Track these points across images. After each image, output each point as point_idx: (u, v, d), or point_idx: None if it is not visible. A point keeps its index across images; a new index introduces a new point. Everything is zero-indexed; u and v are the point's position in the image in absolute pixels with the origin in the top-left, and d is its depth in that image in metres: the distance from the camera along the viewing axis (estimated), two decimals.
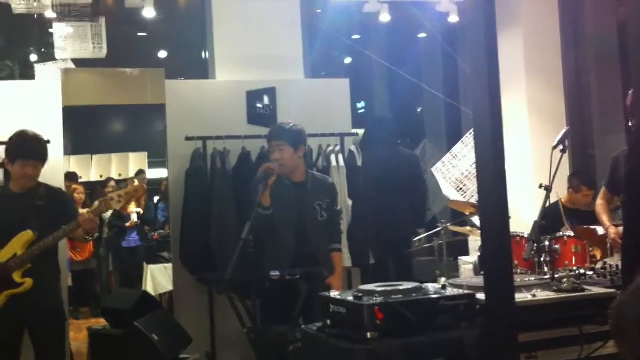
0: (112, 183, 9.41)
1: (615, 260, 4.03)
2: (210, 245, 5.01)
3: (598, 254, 4.37)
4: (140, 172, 10.43)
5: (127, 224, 8.45)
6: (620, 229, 4.12)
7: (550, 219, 4.97)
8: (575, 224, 4.93)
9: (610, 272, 3.77)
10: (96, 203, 4.17)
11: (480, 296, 2.74)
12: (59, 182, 4.81)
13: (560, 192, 5.36)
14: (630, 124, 3.66)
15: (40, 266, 3.75)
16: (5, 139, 3.91)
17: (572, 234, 4.33)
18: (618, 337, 1.30)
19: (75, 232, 3.83)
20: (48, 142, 4.09)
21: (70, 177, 8.47)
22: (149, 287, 7.24)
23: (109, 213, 8.21)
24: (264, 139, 4.85)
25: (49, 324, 3.84)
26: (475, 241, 6.09)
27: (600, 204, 4.53)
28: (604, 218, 4.43)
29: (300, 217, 4.03)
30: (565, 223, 5.17)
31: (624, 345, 1.28)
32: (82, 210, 4.61)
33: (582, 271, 3.73)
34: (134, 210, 8.43)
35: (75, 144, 11.32)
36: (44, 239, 3.73)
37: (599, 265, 4.05)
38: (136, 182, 4.13)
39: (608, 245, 4.38)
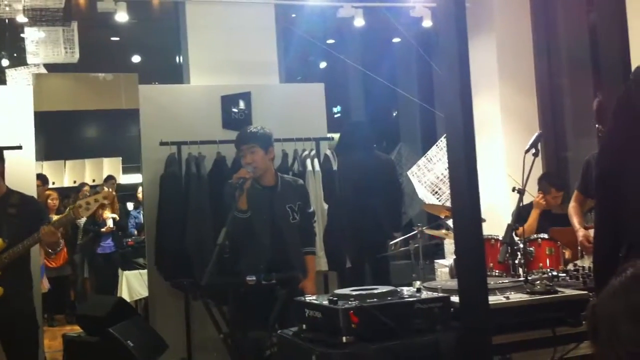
0: (87, 188, 9.32)
1: (587, 262, 4.07)
2: (185, 251, 4.99)
3: (567, 253, 4.42)
4: (110, 178, 10.31)
5: (103, 230, 8.39)
6: (589, 231, 4.17)
7: (524, 219, 5.02)
8: (547, 226, 4.97)
9: (582, 274, 3.80)
10: (67, 210, 4.13)
11: (455, 299, 2.75)
12: (31, 188, 4.76)
13: (534, 195, 5.41)
14: (598, 126, 3.71)
15: (11, 274, 3.71)
16: None
17: (546, 236, 4.37)
18: (593, 338, 1.32)
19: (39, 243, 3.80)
20: (20, 147, 4.03)
21: (40, 177, 8.35)
22: (124, 293, 7.19)
23: (84, 218, 8.13)
24: None
25: (20, 331, 3.80)
26: (450, 244, 6.11)
27: (572, 206, 4.59)
28: (575, 220, 4.48)
29: (273, 221, 4.02)
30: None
31: (598, 346, 1.30)
32: (54, 217, 4.57)
33: (555, 273, 3.76)
34: (109, 216, 8.37)
35: (48, 150, 11.18)
36: (13, 247, 3.69)
37: (570, 267, 4.09)
38: (105, 189, 4.08)
39: (579, 247, 4.43)
